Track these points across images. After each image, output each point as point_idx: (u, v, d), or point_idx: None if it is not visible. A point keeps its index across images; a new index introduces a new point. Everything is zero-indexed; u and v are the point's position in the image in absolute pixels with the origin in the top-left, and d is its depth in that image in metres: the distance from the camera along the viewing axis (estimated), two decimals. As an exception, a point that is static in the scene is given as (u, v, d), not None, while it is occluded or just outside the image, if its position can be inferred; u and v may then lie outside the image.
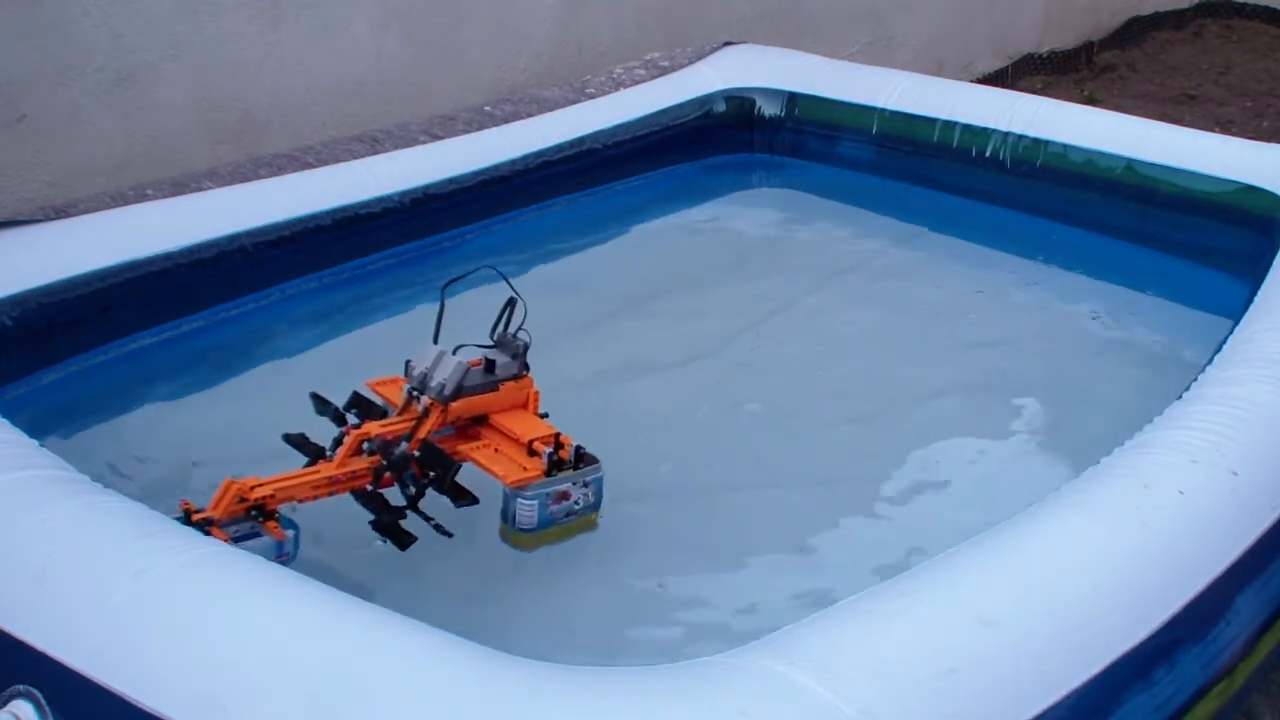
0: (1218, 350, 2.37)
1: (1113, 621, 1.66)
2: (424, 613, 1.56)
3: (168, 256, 2.75)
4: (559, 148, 3.53)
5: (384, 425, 2.15)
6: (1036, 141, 3.56)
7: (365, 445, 2.11)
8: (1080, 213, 3.50)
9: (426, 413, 2.15)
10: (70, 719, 1.49)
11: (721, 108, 3.95)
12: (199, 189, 2.90)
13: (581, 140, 3.59)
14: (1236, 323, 2.49)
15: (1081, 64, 6.46)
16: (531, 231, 3.47)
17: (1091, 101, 5.60)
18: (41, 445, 1.93)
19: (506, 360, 2.26)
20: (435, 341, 2.23)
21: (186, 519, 1.96)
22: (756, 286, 3.29)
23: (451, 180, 3.28)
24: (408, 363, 2.25)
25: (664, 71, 3.93)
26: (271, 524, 2.04)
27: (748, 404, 2.76)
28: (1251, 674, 1.94)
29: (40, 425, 2.11)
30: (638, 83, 3.85)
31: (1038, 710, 1.52)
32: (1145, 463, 1.93)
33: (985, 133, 3.64)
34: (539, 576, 2.19)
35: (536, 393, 2.30)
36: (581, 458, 2.17)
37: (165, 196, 2.85)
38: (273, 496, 2.03)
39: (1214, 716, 1.84)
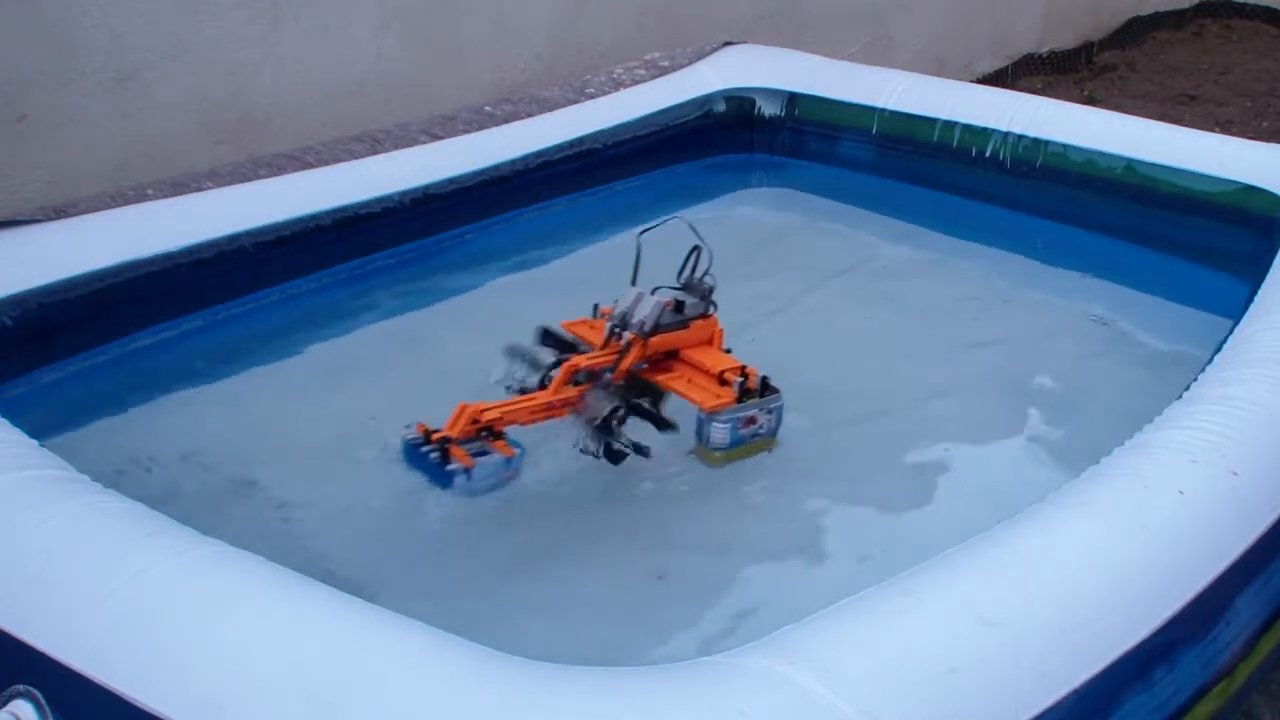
0: (1218, 350, 2.37)
1: (1113, 621, 1.66)
2: (424, 612, 1.56)
3: (168, 256, 2.75)
4: (559, 148, 3.53)
5: (591, 358, 2.40)
6: (1036, 141, 3.56)
7: (575, 376, 2.37)
8: (1080, 213, 3.50)
9: (629, 346, 2.42)
10: (70, 719, 1.49)
11: (721, 108, 3.95)
12: (199, 189, 2.90)
13: (581, 140, 3.59)
14: (1236, 323, 2.49)
15: (1081, 64, 6.46)
16: (531, 231, 3.47)
17: (1091, 101, 5.60)
18: (41, 445, 1.93)
19: (695, 301, 2.52)
20: (633, 284, 2.50)
21: (425, 439, 2.25)
22: (756, 286, 3.29)
23: (451, 180, 3.28)
24: (596, 306, 2.58)
25: (664, 71, 3.93)
26: (500, 443, 2.31)
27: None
28: (1251, 674, 1.94)
29: (40, 425, 2.11)
30: (638, 83, 3.85)
31: (1038, 710, 1.52)
32: (1145, 463, 1.93)
33: (985, 133, 3.64)
34: (539, 576, 2.19)
35: (721, 330, 2.58)
36: (766, 388, 2.45)
37: (165, 196, 2.85)
38: (500, 419, 2.29)
39: (1214, 716, 1.84)
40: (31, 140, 3.13)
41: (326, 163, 3.12)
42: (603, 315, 2.54)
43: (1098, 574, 1.71)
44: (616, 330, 2.45)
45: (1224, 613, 1.82)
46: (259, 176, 3.01)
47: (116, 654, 1.49)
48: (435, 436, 2.25)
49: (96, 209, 2.75)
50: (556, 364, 2.39)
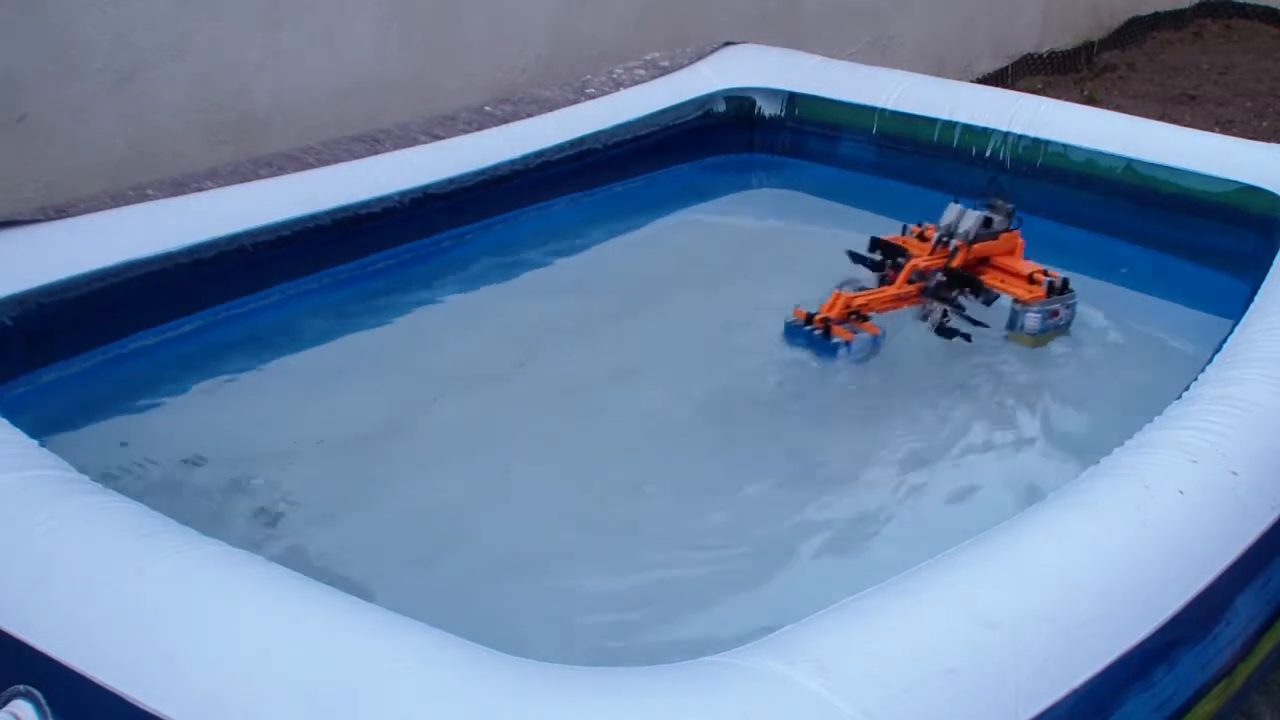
0: (1218, 350, 2.37)
1: (1113, 621, 1.66)
2: (424, 612, 1.56)
3: (168, 256, 2.75)
4: (559, 148, 3.53)
5: (927, 260, 2.96)
6: (1036, 141, 3.56)
7: (913, 274, 2.96)
8: (1080, 213, 3.50)
9: (955, 251, 2.98)
10: (70, 719, 1.49)
11: (721, 108, 3.95)
12: (199, 189, 2.90)
13: (581, 140, 3.59)
14: (1236, 323, 2.49)
15: (1081, 64, 6.46)
16: (531, 231, 3.47)
17: (1091, 101, 5.60)
18: (41, 445, 1.93)
19: (1001, 218, 3.04)
20: (956, 203, 3.04)
21: (808, 321, 2.84)
22: (756, 286, 3.29)
23: (451, 180, 3.28)
24: (905, 226, 3.14)
25: (664, 71, 3.93)
26: (867, 324, 2.89)
27: (748, 403, 2.76)
28: (1251, 674, 1.94)
29: (40, 425, 2.11)
30: (638, 83, 3.85)
31: (1038, 710, 1.52)
32: (1145, 463, 1.93)
33: (985, 133, 3.64)
34: (539, 576, 2.19)
35: (1022, 243, 3.07)
36: (1065, 287, 2.95)
37: (165, 196, 2.85)
38: (866, 305, 2.90)
39: (1214, 716, 1.84)
40: (31, 140, 3.13)
41: (326, 163, 3.12)
42: (913, 232, 3.12)
43: (1098, 574, 1.71)
44: (944, 239, 3.00)
45: (1224, 613, 1.82)
46: (259, 176, 3.01)
47: (116, 654, 1.49)
48: (817, 319, 2.84)
49: (96, 209, 2.75)
50: (890, 264, 3.03)
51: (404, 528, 2.30)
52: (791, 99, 3.95)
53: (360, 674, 1.41)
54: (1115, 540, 1.76)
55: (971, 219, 2.99)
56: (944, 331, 2.93)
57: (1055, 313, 2.95)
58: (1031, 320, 2.94)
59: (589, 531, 2.32)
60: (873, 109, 3.80)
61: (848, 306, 2.87)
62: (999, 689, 1.51)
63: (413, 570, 2.18)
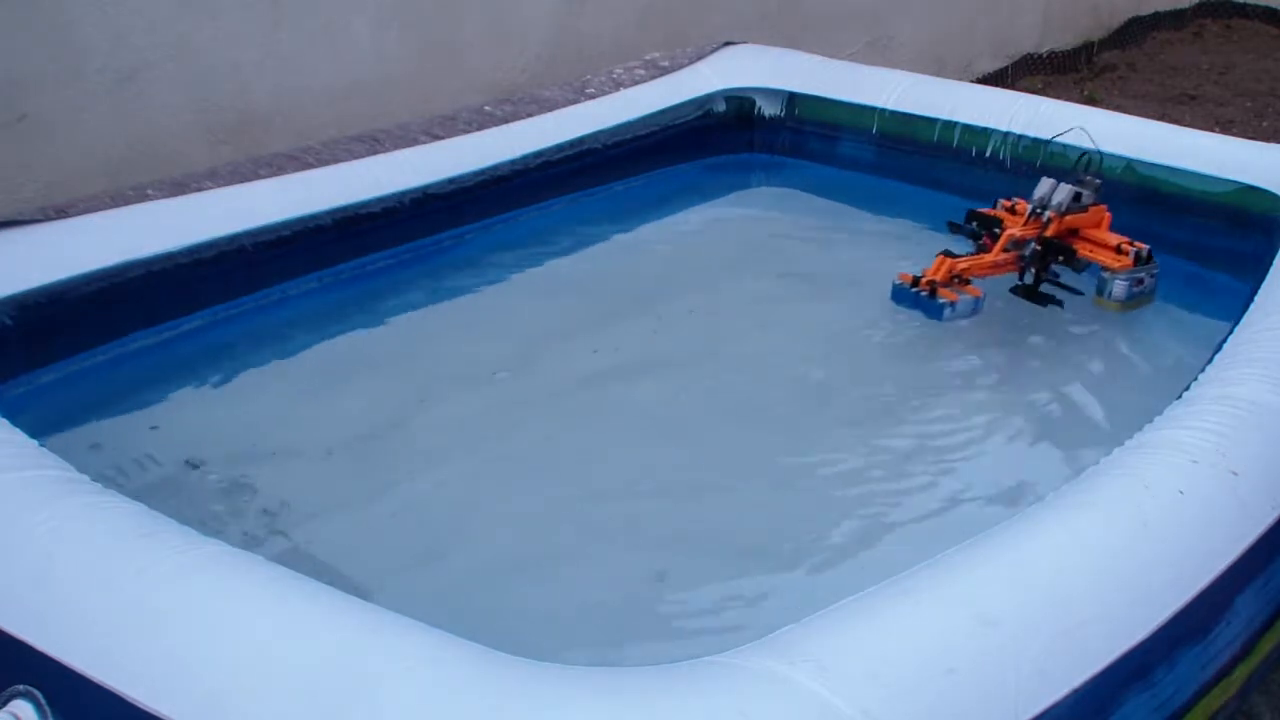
0: (1218, 350, 2.37)
1: (1113, 621, 1.66)
2: (424, 612, 1.56)
3: (168, 256, 2.75)
4: (559, 148, 3.53)
5: (1022, 230, 3.12)
6: (1036, 141, 3.56)
7: (1009, 243, 3.12)
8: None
9: (1048, 222, 3.13)
10: (70, 719, 1.49)
11: (721, 108, 3.95)
12: (199, 189, 2.90)
13: (581, 140, 3.59)
14: (1236, 323, 2.49)
15: (1081, 64, 6.46)
16: (531, 231, 3.47)
17: (1091, 101, 5.60)
18: (41, 445, 1.93)
19: (1089, 192, 3.18)
20: (1047, 175, 3.21)
21: (914, 283, 3.06)
22: (756, 286, 3.30)
23: (451, 180, 3.28)
24: (997, 200, 3.29)
25: (664, 71, 3.93)
26: (970, 287, 3.11)
27: (747, 403, 2.76)
28: (1251, 674, 1.94)
29: (40, 425, 2.11)
30: (638, 83, 3.84)
31: (1038, 710, 1.52)
32: (1145, 463, 1.93)
33: (985, 133, 3.64)
34: (539, 576, 2.19)
35: (1109, 216, 3.23)
36: (1150, 257, 3.14)
37: (165, 196, 2.85)
38: (968, 269, 3.10)
39: (1214, 716, 1.84)
40: (31, 140, 3.13)
41: (326, 163, 3.12)
42: (1004, 206, 3.28)
43: (1098, 574, 1.71)
44: (1038, 210, 3.15)
45: (1224, 613, 1.82)
46: (259, 176, 3.00)
47: (116, 654, 1.49)
48: (923, 281, 3.06)
49: (96, 209, 2.75)
50: (986, 234, 3.21)
51: (404, 527, 2.30)
52: (791, 99, 3.95)
53: (360, 674, 1.41)
54: (1115, 540, 1.76)
55: (1064, 192, 3.14)
56: (1037, 297, 3.14)
57: (1140, 281, 3.13)
58: (1119, 287, 3.12)
59: (588, 531, 2.32)
60: (873, 109, 3.80)
61: (951, 270, 3.07)
62: (999, 689, 1.51)
63: (413, 570, 2.18)
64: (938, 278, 3.07)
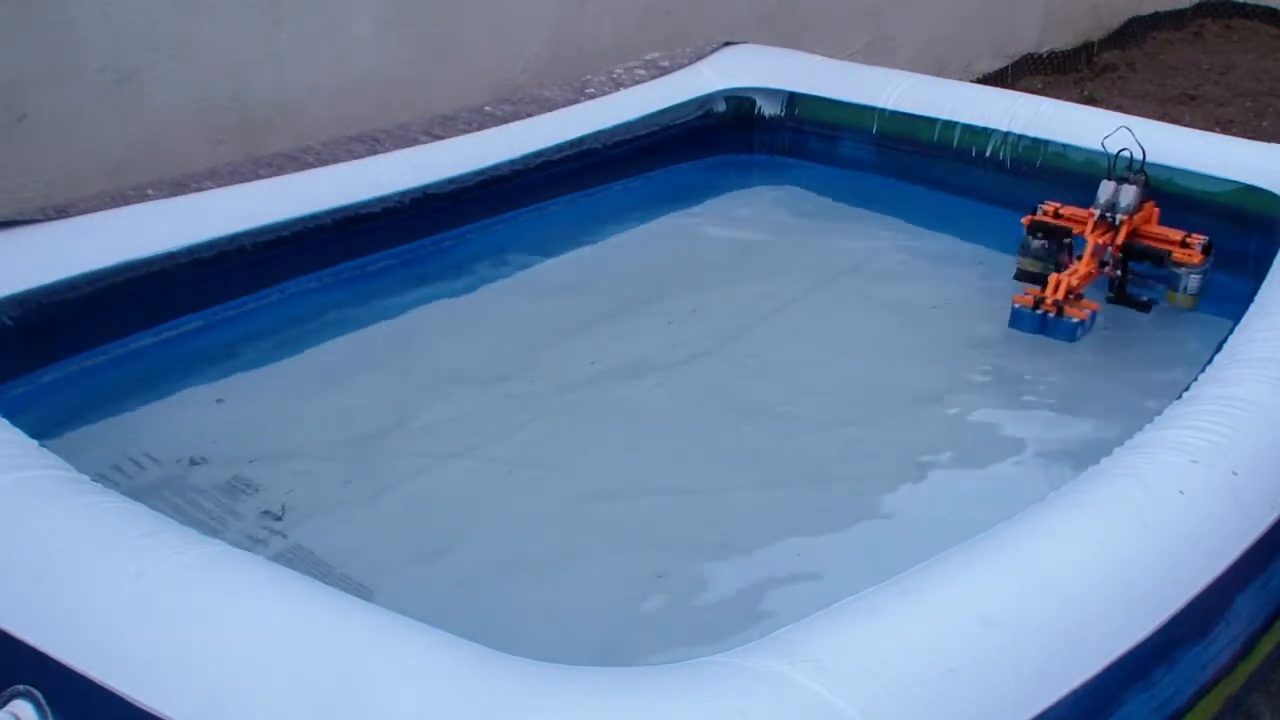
0: (1218, 350, 2.37)
1: (1113, 621, 1.66)
2: (424, 612, 1.56)
3: (168, 256, 2.75)
4: (559, 148, 3.53)
5: (1099, 237, 3.10)
6: (1036, 141, 3.56)
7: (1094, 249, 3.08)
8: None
9: (1120, 225, 3.11)
10: (70, 719, 1.49)
11: (721, 108, 3.95)
12: (199, 189, 2.90)
13: (581, 140, 3.58)
14: (1236, 323, 2.49)
15: (1081, 64, 6.46)
16: (531, 231, 3.47)
17: (1091, 101, 5.60)
18: (41, 445, 1.93)
19: (1138, 189, 3.14)
20: (1109, 178, 3.16)
21: (1038, 304, 2.99)
22: (756, 286, 3.29)
23: (451, 180, 3.28)
24: (1037, 206, 3.26)
25: (664, 71, 3.93)
26: (1085, 301, 3.06)
27: (747, 404, 2.76)
28: (1251, 674, 1.94)
29: (40, 425, 2.11)
30: (638, 83, 3.84)
31: (1038, 710, 1.52)
32: (1145, 463, 1.93)
33: (985, 133, 3.64)
34: (539, 576, 2.19)
35: (1157, 210, 3.20)
36: (1211, 249, 3.13)
37: (165, 196, 2.84)
38: (1075, 286, 3.03)
39: (1214, 716, 1.84)
40: (31, 140, 3.13)
41: (326, 163, 3.12)
42: (1045, 211, 3.25)
43: (1098, 574, 1.71)
44: (1107, 215, 3.12)
45: (1224, 613, 1.82)
46: (259, 176, 3.00)
47: (116, 654, 1.49)
48: (1048, 303, 2.99)
49: (96, 209, 2.74)
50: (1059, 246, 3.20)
51: (404, 527, 2.30)
52: (791, 99, 3.95)
53: (360, 674, 1.41)
54: (1115, 540, 1.76)
55: (1130, 193, 3.11)
56: (1139, 303, 3.15)
57: (1207, 272, 3.12)
58: (1194, 281, 3.10)
59: (588, 531, 2.32)
60: (873, 109, 3.80)
61: (1069, 288, 3.02)
62: (999, 689, 1.51)
63: (413, 570, 2.18)
64: (1059, 296, 3.00)
